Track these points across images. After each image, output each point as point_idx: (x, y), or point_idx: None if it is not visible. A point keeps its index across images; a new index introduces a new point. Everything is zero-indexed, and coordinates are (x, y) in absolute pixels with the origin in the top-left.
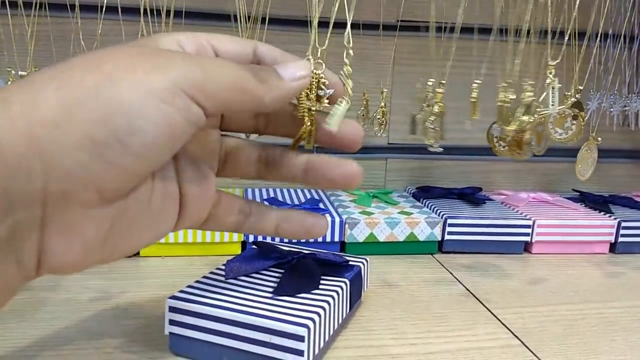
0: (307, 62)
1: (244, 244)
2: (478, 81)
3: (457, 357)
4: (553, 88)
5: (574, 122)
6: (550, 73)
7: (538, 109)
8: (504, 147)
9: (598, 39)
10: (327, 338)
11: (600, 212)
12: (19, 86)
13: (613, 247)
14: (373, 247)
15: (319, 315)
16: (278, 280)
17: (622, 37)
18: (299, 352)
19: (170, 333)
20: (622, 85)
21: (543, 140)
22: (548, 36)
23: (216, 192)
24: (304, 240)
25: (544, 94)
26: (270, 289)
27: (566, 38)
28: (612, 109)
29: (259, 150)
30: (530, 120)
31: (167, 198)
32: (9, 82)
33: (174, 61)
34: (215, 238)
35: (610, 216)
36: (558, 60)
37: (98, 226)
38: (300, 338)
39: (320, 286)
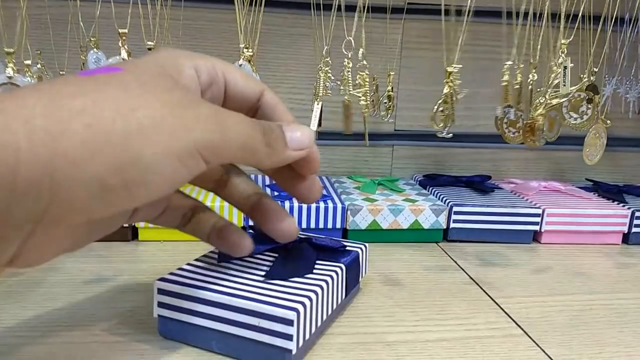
0: (312, 131)
1: (243, 229)
2: (509, 62)
3: (455, 346)
4: (565, 68)
5: (589, 106)
6: (563, 52)
7: (550, 90)
8: (514, 133)
9: (611, 22)
10: (319, 323)
11: (613, 201)
12: (46, 106)
13: (626, 238)
14: (376, 234)
15: (310, 299)
16: (272, 264)
17: (638, 22)
18: (288, 337)
19: (159, 316)
20: (639, 71)
21: (556, 125)
22: (562, 19)
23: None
24: (305, 226)
25: (553, 75)
26: (263, 273)
27: (578, 21)
28: (627, 95)
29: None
30: (560, 102)
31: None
32: (9, 66)
33: (198, 120)
34: None
35: (623, 206)
36: (570, 39)
37: (74, 238)
38: (289, 322)
39: (315, 271)
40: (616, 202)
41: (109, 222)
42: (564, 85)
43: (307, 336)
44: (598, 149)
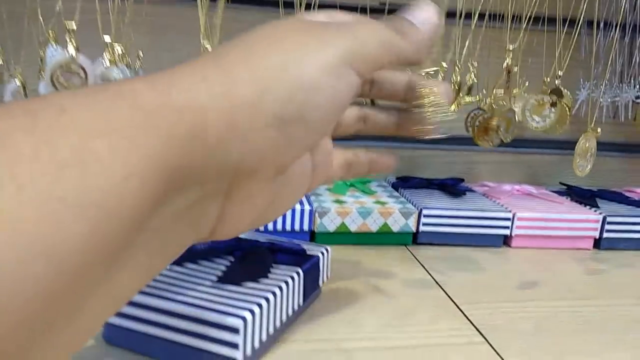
0: (431, 3)
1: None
2: (512, 46)
3: (414, 354)
4: (509, 72)
5: (553, 110)
6: (508, 57)
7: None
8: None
9: (578, 26)
10: (271, 330)
11: (585, 206)
12: (214, 64)
13: (598, 243)
14: (344, 237)
15: (260, 306)
16: (227, 268)
17: (613, 26)
18: (234, 345)
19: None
20: (613, 75)
21: (512, 126)
22: (524, 22)
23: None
24: (271, 228)
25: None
26: (216, 278)
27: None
28: (601, 100)
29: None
30: (474, 100)
31: (306, 164)
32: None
33: (334, 35)
34: None
35: (595, 211)
36: (515, 46)
37: (267, 197)
38: (235, 330)
39: (271, 275)
40: (588, 207)
41: (292, 188)
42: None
43: (257, 344)
44: (588, 159)
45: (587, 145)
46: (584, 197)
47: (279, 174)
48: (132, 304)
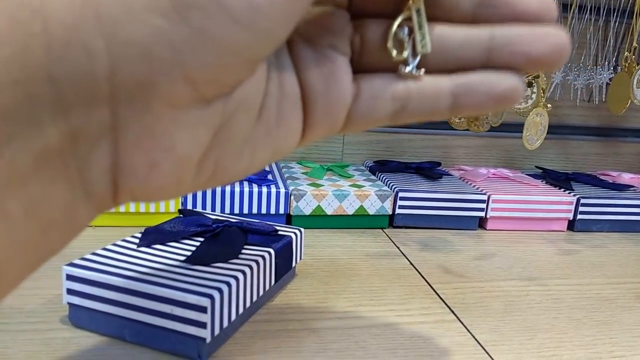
0: None
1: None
2: None
3: (384, 332)
4: None
5: (534, 90)
6: None
7: None
8: (460, 119)
9: (560, 8)
10: (241, 310)
11: (560, 188)
12: None
13: (572, 225)
14: (320, 220)
15: (229, 285)
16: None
17: (588, 9)
18: (202, 324)
19: (68, 303)
20: (587, 58)
21: (499, 112)
22: None
23: (353, 81)
24: (246, 212)
25: None
26: (185, 259)
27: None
28: (575, 82)
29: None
30: None
31: (285, 99)
32: None
33: None
34: (150, 208)
35: (569, 193)
36: None
37: (193, 136)
38: (202, 309)
39: (241, 256)
40: (563, 189)
41: (271, 125)
42: None
43: (226, 323)
44: (539, 133)
45: (537, 119)
46: (559, 180)
47: (204, 101)
48: (98, 284)
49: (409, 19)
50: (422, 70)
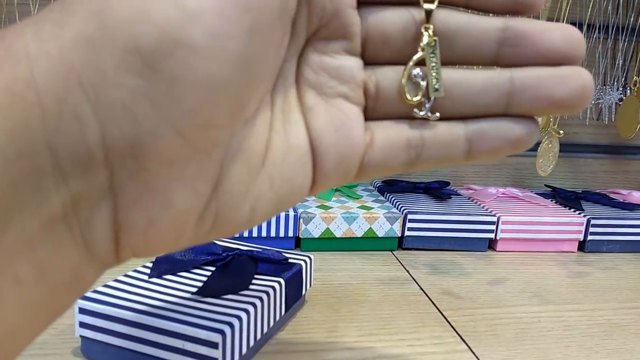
0: None
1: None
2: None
3: None
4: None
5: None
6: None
7: None
8: None
9: None
10: (251, 343)
11: (570, 208)
12: (61, 3)
13: (582, 246)
14: (329, 243)
15: (240, 319)
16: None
17: (597, 28)
18: None
19: (81, 336)
20: (597, 77)
21: None
22: None
23: (366, 129)
24: (255, 235)
25: None
26: (196, 290)
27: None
28: None
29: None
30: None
31: (292, 152)
32: None
33: None
34: None
35: (580, 213)
36: None
37: (192, 190)
38: (213, 345)
39: (252, 286)
40: (573, 210)
41: (276, 175)
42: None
43: (237, 357)
44: (551, 159)
45: (549, 146)
46: (569, 199)
47: (199, 153)
48: (110, 317)
49: (424, 62)
50: (437, 114)
